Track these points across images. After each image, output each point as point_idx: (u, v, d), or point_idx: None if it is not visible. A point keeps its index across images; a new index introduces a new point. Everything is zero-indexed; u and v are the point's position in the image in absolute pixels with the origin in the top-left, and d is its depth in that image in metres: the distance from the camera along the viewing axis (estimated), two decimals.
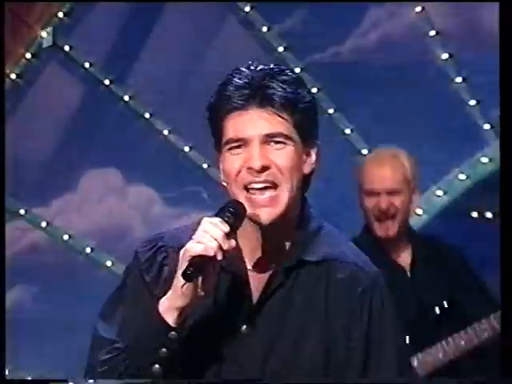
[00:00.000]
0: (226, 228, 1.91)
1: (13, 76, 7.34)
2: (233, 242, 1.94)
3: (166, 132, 6.77)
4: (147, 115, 6.85)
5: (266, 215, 1.98)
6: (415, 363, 4.40)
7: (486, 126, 6.50)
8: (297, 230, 2.17)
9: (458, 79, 6.54)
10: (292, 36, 6.88)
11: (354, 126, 6.78)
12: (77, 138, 7.32)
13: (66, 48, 6.94)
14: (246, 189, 1.96)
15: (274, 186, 2.02)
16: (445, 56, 6.88)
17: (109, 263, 6.78)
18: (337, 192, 6.56)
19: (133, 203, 7.05)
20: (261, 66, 2.11)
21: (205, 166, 6.68)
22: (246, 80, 2.09)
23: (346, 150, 7.02)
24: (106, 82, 6.84)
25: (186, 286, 1.91)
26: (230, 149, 2.01)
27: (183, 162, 6.95)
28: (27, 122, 7.28)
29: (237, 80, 2.09)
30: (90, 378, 2.19)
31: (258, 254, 2.13)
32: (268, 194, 1.98)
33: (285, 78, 2.09)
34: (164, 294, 1.98)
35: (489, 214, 6.03)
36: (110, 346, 2.04)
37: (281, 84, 2.08)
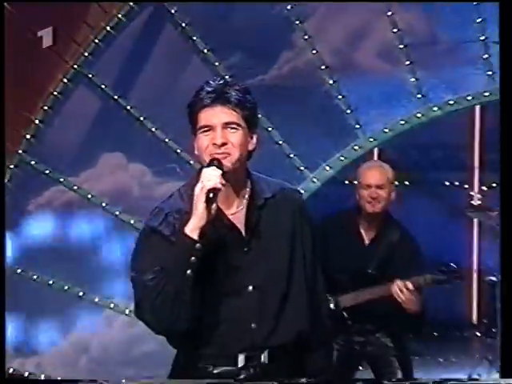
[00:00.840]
0: (220, 171, 2.80)
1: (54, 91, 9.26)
2: (223, 180, 2.81)
3: (153, 129, 8.81)
4: (142, 118, 8.91)
5: (232, 166, 2.86)
6: (340, 298, 5.39)
7: (357, 126, 8.76)
8: (247, 180, 3.09)
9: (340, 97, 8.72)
10: (236, 68, 8.77)
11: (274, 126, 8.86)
12: (95, 133, 9.33)
13: (90, 75, 9.08)
14: (211, 162, 2.88)
15: (229, 156, 2.89)
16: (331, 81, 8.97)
17: (117, 212, 8.95)
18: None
19: (132, 174, 9.12)
20: (222, 80, 3.07)
21: (178, 150, 8.72)
22: (213, 88, 2.93)
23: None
24: (115, 96, 9.02)
25: (204, 210, 2.81)
26: (202, 132, 2.91)
27: (165, 148, 8.93)
28: (64, 124, 9.24)
29: (207, 88, 2.92)
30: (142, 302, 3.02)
31: (228, 199, 3.05)
32: (226, 161, 2.89)
33: (237, 87, 2.94)
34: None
35: (355, 182, 6.87)
36: (151, 274, 2.89)
37: (235, 91, 2.93)
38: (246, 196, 3.16)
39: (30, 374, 8.95)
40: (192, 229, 2.85)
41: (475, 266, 10.80)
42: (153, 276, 2.96)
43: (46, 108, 9.07)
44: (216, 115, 2.99)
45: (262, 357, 3.19)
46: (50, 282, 9.09)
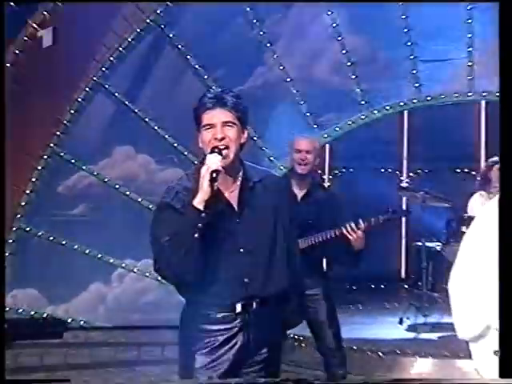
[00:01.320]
0: (220, 157, 3.39)
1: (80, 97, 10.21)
2: (223, 164, 3.42)
3: (156, 127, 10.03)
4: (147, 119, 10.09)
5: (231, 155, 3.49)
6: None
7: (315, 126, 10.23)
8: (240, 167, 3.68)
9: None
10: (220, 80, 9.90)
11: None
12: (110, 130, 10.42)
13: (106, 85, 10.09)
14: (213, 149, 3.47)
15: (227, 147, 3.50)
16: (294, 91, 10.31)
17: (127, 192, 10.10)
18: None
19: (139, 163, 10.44)
20: (220, 89, 3.82)
21: (176, 144, 9.99)
22: (213, 95, 3.62)
23: None
24: (126, 102, 10.15)
25: (208, 187, 3.36)
26: (205, 129, 3.51)
27: (165, 142, 10.19)
28: (86, 124, 10.33)
29: (208, 95, 3.61)
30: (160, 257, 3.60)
31: (225, 181, 3.62)
32: (224, 151, 3.46)
33: (232, 94, 3.62)
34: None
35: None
36: (166, 237, 3.47)
37: (230, 97, 3.57)
38: (239, 179, 3.73)
39: (60, 318, 9.66)
40: (199, 201, 3.41)
41: (404, 233, 12.69)
42: (168, 239, 3.52)
43: (72, 111, 9.92)
44: (216, 116, 3.58)
45: (254, 304, 3.73)
46: (75, 247, 9.98)
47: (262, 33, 10.07)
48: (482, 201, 9.23)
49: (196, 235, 3.46)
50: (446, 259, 9.37)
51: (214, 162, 3.49)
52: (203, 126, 3.61)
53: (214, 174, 3.43)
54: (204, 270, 3.67)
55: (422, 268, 9.88)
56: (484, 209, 4.12)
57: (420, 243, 10.28)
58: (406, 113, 12.45)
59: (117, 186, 10.33)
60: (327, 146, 11.64)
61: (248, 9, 9.96)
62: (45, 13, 10.41)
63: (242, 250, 3.77)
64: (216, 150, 3.51)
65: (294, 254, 4.04)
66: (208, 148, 3.55)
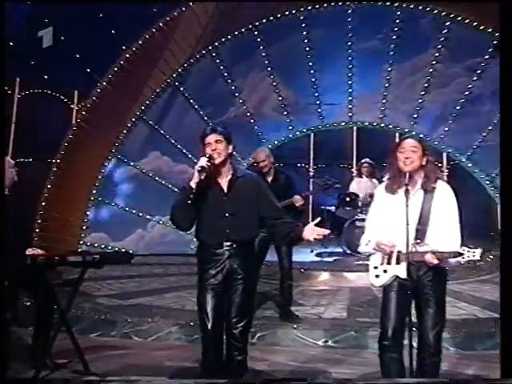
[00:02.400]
0: (206, 159, 4.69)
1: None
2: (208, 163, 4.69)
3: (173, 141, 13.25)
4: (169, 137, 13.45)
5: (217, 159, 4.77)
6: None
7: (263, 140, 13.47)
8: (230, 167, 4.96)
9: None
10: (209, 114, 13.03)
11: None
12: (148, 142, 13.51)
13: (145, 118, 13.17)
14: (204, 155, 4.79)
15: (218, 154, 4.82)
16: (252, 120, 13.63)
17: (156, 178, 13.16)
18: None
19: (164, 161, 13.57)
20: (213, 125, 5.23)
21: (184, 151, 13.07)
22: (211, 127, 5.04)
23: None
24: (159, 129, 13.31)
25: (197, 175, 4.68)
26: (205, 146, 4.87)
27: (178, 151, 13.23)
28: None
29: (208, 128, 5.01)
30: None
31: (219, 175, 4.92)
32: (215, 156, 4.77)
33: (221, 126, 5.05)
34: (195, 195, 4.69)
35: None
36: (175, 201, 4.90)
37: (219, 127, 5.01)
38: (230, 174, 5.03)
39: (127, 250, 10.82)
40: (191, 183, 4.73)
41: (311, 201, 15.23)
42: (175, 202, 4.94)
43: (124, 132, 13.43)
44: (211, 137, 4.92)
45: (234, 245, 4.98)
46: (127, 208, 13.45)
47: (233, 87, 13.87)
48: (357, 184, 13.01)
49: (189, 202, 4.77)
50: (337, 216, 12.81)
51: (201, 161, 4.80)
52: (205, 144, 4.97)
53: (200, 168, 4.73)
54: (193, 223, 5.04)
55: (325, 219, 12.57)
56: (378, 189, 5.31)
57: (323, 207, 13.61)
58: (312, 134, 15.84)
59: (150, 174, 13.73)
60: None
61: (226, 74, 13.56)
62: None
63: (226, 214, 5.03)
64: (206, 156, 4.83)
65: (264, 217, 5.16)
66: (209, 153, 4.88)
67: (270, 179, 8.26)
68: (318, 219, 5.06)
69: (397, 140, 14.87)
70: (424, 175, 4.85)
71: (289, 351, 7.45)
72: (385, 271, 4.79)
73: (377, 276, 4.84)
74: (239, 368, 5.00)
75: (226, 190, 5.01)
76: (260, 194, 5.14)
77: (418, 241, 4.68)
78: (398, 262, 4.72)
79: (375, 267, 4.86)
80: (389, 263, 4.77)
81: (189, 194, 4.77)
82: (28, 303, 7.57)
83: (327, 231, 5.00)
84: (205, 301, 4.90)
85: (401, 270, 4.71)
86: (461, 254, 4.64)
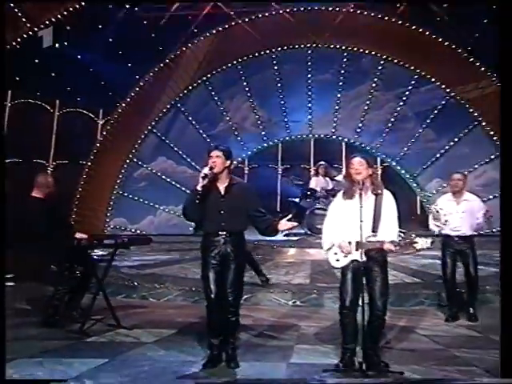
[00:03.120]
0: (208, 168, 4.73)
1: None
2: (210, 171, 4.72)
3: (180, 152, 13.17)
4: (176, 149, 13.29)
5: (216, 170, 4.77)
6: None
7: (245, 149, 14.28)
8: (228, 176, 4.94)
9: None
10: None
11: None
12: (157, 150, 13.44)
13: (155, 131, 13.18)
14: (206, 165, 4.80)
15: (216, 165, 4.80)
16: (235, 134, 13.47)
17: (163, 176, 13.08)
18: None
19: (169, 164, 13.52)
20: (217, 144, 5.10)
21: (188, 159, 13.02)
22: (215, 145, 4.98)
23: None
24: (166, 141, 13.28)
25: (201, 181, 4.73)
26: (209, 158, 4.88)
27: (180, 157, 13.26)
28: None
29: (213, 145, 5.01)
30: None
31: (218, 181, 4.90)
32: (215, 168, 4.76)
33: (222, 144, 5.05)
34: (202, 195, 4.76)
35: None
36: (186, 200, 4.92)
37: (220, 145, 4.98)
38: (226, 181, 5.01)
39: (146, 234, 12.06)
40: (198, 186, 4.81)
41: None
42: (186, 201, 4.99)
43: (139, 141, 13.49)
44: (214, 153, 4.97)
45: (228, 234, 4.98)
46: (141, 200, 13.50)
47: (222, 108, 13.97)
48: (315, 181, 12.72)
49: (196, 200, 4.88)
50: (301, 206, 12.54)
51: (204, 170, 4.87)
52: (209, 157, 5.01)
53: (203, 175, 4.82)
54: (200, 217, 5.03)
55: (291, 209, 12.13)
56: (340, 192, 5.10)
57: (290, 199, 13.37)
58: (280, 144, 15.71)
59: (158, 174, 13.82)
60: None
61: (216, 98, 13.65)
62: None
63: (222, 211, 5.00)
64: (208, 166, 4.89)
65: (250, 215, 5.09)
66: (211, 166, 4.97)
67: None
68: (289, 216, 5.08)
69: (343, 148, 15.57)
70: (372, 184, 4.89)
71: (267, 309, 7.48)
72: (345, 256, 4.80)
73: (337, 260, 4.86)
74: (234, 325, 5.06)
75: (223, 193, 5.01)
76: (248, 197, 5.11)
77: (373, 233, 4.72)
78: (356, 249, 4.75)
79: (335, 253, 4.87)
80: (348, 251, 4.79)
81: (196, 195, 4.83)
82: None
83: (295, 224, 5.05)
84: (208, 276, 4.92)
85: (358, 255, 4.74)
86: (416, 243, 4.82)
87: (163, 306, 7.71)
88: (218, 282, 4.90)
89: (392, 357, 5.11)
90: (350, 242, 4.78)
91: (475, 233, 6.94)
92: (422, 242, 4.90)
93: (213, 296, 4.86)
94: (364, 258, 4.72)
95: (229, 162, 5.02)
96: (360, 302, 4.73)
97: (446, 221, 6.85)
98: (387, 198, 4.89)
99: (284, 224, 4.98)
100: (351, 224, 4.74)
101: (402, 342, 5.83)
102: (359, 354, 4.78)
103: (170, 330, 6.33)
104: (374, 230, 4.72)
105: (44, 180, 6.75)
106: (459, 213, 6.90)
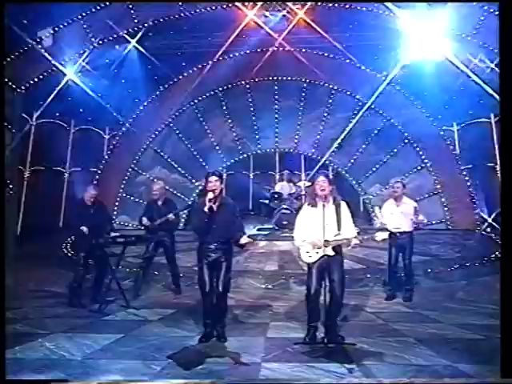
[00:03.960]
0: (212, 193, 4.77)
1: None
2: (214, 195, 4.80)
3: (179, 169, 12.95)
4: (175, 166, 12.96)
5: (217, 192, 4.78)
6: None
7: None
8: (221, 195, 4.94)
9: None
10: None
11: None
12: (155, 161, 13.23)
13: (155, 148, 13.34)
14: (210, 190, 4.84)
15: (218, 190, 4.87)
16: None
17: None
18: None
19: (163, 173, 13.09)
20: (214, 170, 5.16)
21: (179, 168, 12.98)
22: (213, 172, 5.02)
23: None
24: (161, 152, 13.07)
25: (209, 204, 4.78)
26: (209, 182, 4.92)
27: (174, 168, 13.07)
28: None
29: (211, 172, 5.03)
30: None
31: (214, 200, 4.86)
32: (217, 190, 4.80)
33: (216, 171, 5.11)
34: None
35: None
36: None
37: (216, 172, 5.02)
38: (218, 200, 4.99)
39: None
40: (205, 209, 4.86)
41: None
42: (195, 221, 5.18)
43: (139, 154, 13.29)
44: (213, 178, 4.96)
45: (220, 243, 4.98)
46: (140, 201, 12.60)
47: (206, 127, 13.80)
48: (280, 186, 12.73)
49: (205, 220, 4.94)
50: (270, 206, 12.41)
51: (209, 196, 4.93)
52: (208, 181, 5.01)
53: (209, 199, 4.94)
54: (202, 229, 4.98)
55: (262, 209, 12.62)
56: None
57: (260, 200, 13.07)
58: (252, 156, 14.65)
59: (155, 181, 11.54)
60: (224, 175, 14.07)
61: (201, 119, 13.58)
62: None
63: (213, 225, 4.98)
64: (210, 190, 4.95)
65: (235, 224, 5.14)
66: (209, 189, 4.97)
67: (160, 203, 7.69)
68: (249, 240, 5.15)
69: (302, 160, 15.62)
70: (332, 196, 5.03)
71: (245, 292, 7.62)
72: (317, 252, 4.88)
73: (310, 256, 4.93)
74: (223, 309, 5.15)
75: (215, 209, 5.01)
76: (231, 212, 5.12)
77: (338, 232, 4.84)
78: (326, 246, 4.83)
79: (307, 251, 4.95)
80: (319, 248, 4.87)
81: (205, 215, 4.91)
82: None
83: (251, 240, 5.19)
84: (203, 274, 5.00)
85: (329, 251, 4.85)
86: (376, 236, 5.01)
87: (161, 289, 7.78)
88: (211, 278, 4.96)
89: (346, 331, 5.27)
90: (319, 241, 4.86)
91: (412, 229, 7.11)
92: (382, 235, 5.05)
93: (207, 289, 4.95)
94: (333, 253, 4.83)
95: (222, 186, 5.05)
96: (322, 290, 4.83)
97: (386, 219, 6.99)
98: (344, 206, 5.03)
99: (245, 238, 5.07)
100: (317, 227, 4.85)
101: (354, 318, 6.05)
102: (321, 330, 4.95)
103: (169, 309, 6.40)
104: (339, 230, 4.83)
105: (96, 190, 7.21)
106: (399, 213, 7.09)
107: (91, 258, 6.82)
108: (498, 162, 11.93)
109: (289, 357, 4.48)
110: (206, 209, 4.86)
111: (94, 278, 6.88)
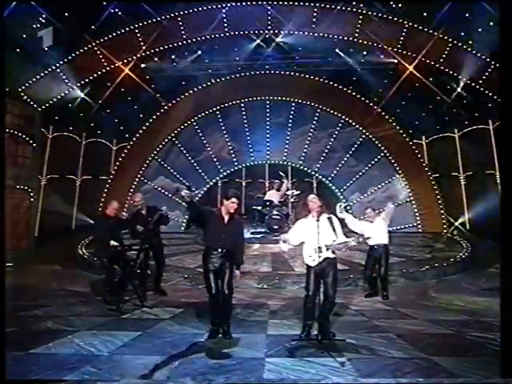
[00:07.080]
0: (233, 209, 4.89)
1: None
2: (233, 211, 4.85)
3: (181, 179, 12.98)
4: (178, 176, 12.92)
5: (236, 211, 4.82)
6: None
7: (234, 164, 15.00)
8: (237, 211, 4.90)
9: None
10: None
11: None
12: (157, 170, 13.28)
13: (159, 159, 13.34)
14: (232, 208, 4.83)
15: (237, 208, 4.85)
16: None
17: (162, 191, 12.80)
18: None
19: (165, 181, 13.30)
20: (234, 191, 5.10)
21: (180, 178, 13.04)
22: (234, 193, 4.97)
23: None
24: (166, 166, 13.45)
25: (227, 215, 4.84)
26: (229, 201, 4.83)
27: (175, 178, 13.06)
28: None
29: (233, 193, 4.97)
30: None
31: (225, 214, 4.87)
32: (237, 208, 4.78)
33: (235, 193, 4.97)
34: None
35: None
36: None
37: (237, 193, 5.02)
38: (229, 215, 5.01)
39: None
40: (225, 220, 4.90)
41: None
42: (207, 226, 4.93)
43: (145, 165, 13.25)
44: (234, 199, 4.94)
45: (225, 250, 4.93)
46: None
47: (204, 141, 13.86)
48: (271, 194, 12.33)
49: (215, 226, 4.97)
50: (262, 212, 12.17)
51: (231, 210, 4.97)
52: (228, 199, 4.98)
53: (231, 212, 5.01)
54: (214, 238, 4.99)
55: (254, 214, 12.22)
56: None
57: (253, 207, 12.66)
58: (244, 167, 14.99)
59: (159, 189, 13.66)
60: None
61: (201, 134, 13.61)
62: None
63: (223, 235, 4.97)
64: (231, 207, 4.97)
65: (241, 236, 5.18)
66: (230, 207, 4.97)
67: (143, 212, 7.27)
68: (239, 275, 5.15)
69: (289, 171, 15.70)
70: (322, 210, 5.06)
71: (243, 291, 7.50)
72: (319, 256, 4.88)
73: (313, 260, 4.92)
74: (228, 309, 5.15)
75: (226, 222, 5.03)
76: (238, 227, 5.14)
77: (335, 238, 4.90)
78: (327, 250, 4.88)
79: (310, 256, 4.94)
80: (321, 252, 4.88)
81: (218, 225, 4.94)
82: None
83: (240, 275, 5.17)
84: (209, 278, 4.96)
85: (329, 254, 4.91)
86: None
87: (169, 289, 7.66)
88: (217, 281, 4.95)
89: (336, 328, 5.30)
90: (320, 247, 4.88)
91: (386, 241, 7.22)
92: (360, 239, 5.05)
93: (213, 291, 4.94)
94: (333, 255, 4.92)
95: (239, 206, 5.05)
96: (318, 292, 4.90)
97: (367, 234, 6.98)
98: (334, 218, 5.11)
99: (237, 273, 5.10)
100: (313, 236, 4.92)
101: (342, 316, 6.06)
102: (314, 327, 4.97)
103: (179, 308, 6.35)
104: (335, 237, 4.89)
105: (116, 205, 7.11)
106: (374, 230, 7.18)
107: (116, 263, 6.81)
108: (461, 172, 12.52)
109: (288, 352, 4.52)
110: (225, 221, 4.92)
111: (122, 281, 6.81)
